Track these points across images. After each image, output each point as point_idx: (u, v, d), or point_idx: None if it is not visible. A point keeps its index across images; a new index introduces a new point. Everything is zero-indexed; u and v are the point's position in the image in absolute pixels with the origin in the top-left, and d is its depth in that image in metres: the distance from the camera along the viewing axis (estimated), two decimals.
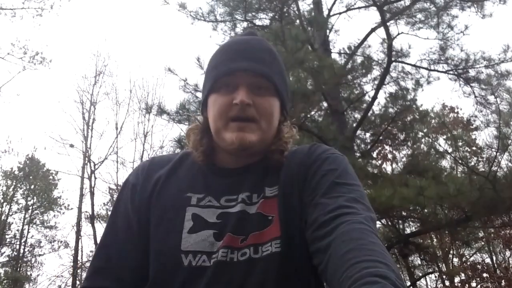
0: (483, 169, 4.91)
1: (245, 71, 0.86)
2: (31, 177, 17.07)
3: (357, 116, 8.03)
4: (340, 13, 8.08)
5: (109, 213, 0.91)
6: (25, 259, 16.78)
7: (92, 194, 13.25)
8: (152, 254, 0.82)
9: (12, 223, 16.69)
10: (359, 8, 8.03)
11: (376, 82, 7.19)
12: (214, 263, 0.77)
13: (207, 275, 0.76)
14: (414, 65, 7.30)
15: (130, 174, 0.95)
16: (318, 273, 0.72)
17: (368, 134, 8.07)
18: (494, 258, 14.71)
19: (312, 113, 7.99)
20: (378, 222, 7.76)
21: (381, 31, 7.19)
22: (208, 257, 0.78)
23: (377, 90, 6.88)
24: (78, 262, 13.43)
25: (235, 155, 0.90)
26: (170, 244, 0.80)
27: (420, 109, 7.52)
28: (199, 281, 0.76)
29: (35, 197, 17.44)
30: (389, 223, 7.95)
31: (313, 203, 0.78)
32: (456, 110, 15.31)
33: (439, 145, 6.01)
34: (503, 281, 11.70)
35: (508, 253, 14.58)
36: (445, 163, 6.44)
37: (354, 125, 7.22)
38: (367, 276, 0.53)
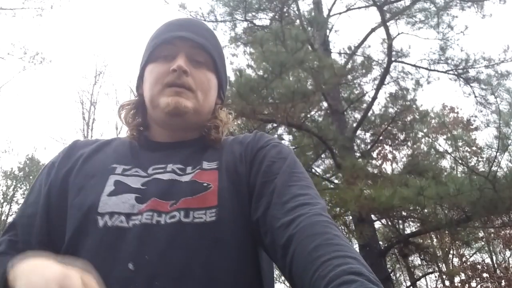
0: (483, 169, 4.90)
1: (185, 39, 0.85)
2: (31, 177, 17.07)
3: (357, 116, 8.04)
4: (340, 13, 8.10)
5: None
6: None
7: None
8: (68, 221, 0.77)
9: None
10: (359, 8, 8.05)
11: (376, 82, 7.19)
12: (135, 225, 0.71)
13: (127, 236, 0.70)
14: (414, 65, 7.31)
15: (53, 157, 0.91)
16: (279, 268, 0.69)
17: (368, 134, 8.07)
18: (494, 258, 14.72)
19: (312, 113, 7.99)
20: (378, 222, 7.77)
21: (381, 31, 7.21)
22: (127, 218, 0.72)
23: (377, 90, 6.88)
24: None
25: (170, 128, 0.87)
26: (86, 207, 0.75)
27: (420, 109, 7.53)
28: (117, 242, 0.70)
29: None
30: (389, 223, 7.95)
31: (266, 190, 0.76)
32: (456, 110, 15.34)
33: (439, 145, 6.00)
34: (503, 281, 11.71)
35: (508, 253, 14.60)
36: (445, 163, 6.44)
37: (354, 125, 7.22)
38: (342, 275, 0.52)
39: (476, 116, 7.77)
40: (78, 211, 0.76)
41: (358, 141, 7.72)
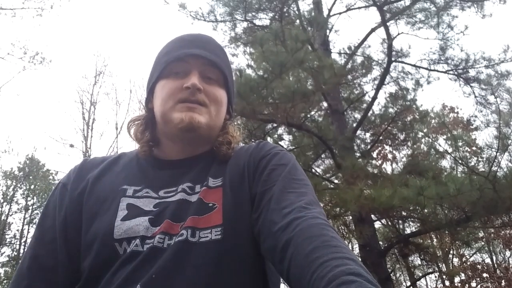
0: (483, 169, 4.90)
1: (197, 57, 0.86)
2: (31, 177, 17.07)
3: (357, 116, 8.03)
4: (340, 13, 8.09)
5: None
6: None
7: None
8: (83, 248, 0.78)
9: (12, 223, 16.72)
10: (359, 8, 8.04)
11: (376, 82, 7.19)
12: (148, 248, 0.73)
13: (140, 259, 0.72)
14: (414, 65, 7.31)
15: (63, 177, 0.91)
16: (278, 272, 0.70)
17: (368, 134, 8.08)
18: (494, 258, 14.73)
19: (312, 113, 7.99)
20: (378, 222, 7.77)
21: (381, 31, 7.21)
22: (142, 242, 0.74)
23: (377, 90, 6.88)
24: None
25: (181, 143, 0.88)
26: (102, 235, 0.76)
27: (420, 109, 7.52)
28: (132, 266, 0.72)
29: (35, 197, 17.44)
30: (389, 223, 7.95)
31: (265, 197, 0.77)
32: (456, 110, 15.35)
33: (439, 145, 6.02)
34: (503, 281, 11.71)
35: (508, 253, 14.60)
36: (445, 163, 6.45)
37: (354, 125, 7.22)
38: (341, 275, 0.53)
39: (476, 116, 7.76)
40: (95, 240, 0.77)
41: (358, 141, 7.72)
